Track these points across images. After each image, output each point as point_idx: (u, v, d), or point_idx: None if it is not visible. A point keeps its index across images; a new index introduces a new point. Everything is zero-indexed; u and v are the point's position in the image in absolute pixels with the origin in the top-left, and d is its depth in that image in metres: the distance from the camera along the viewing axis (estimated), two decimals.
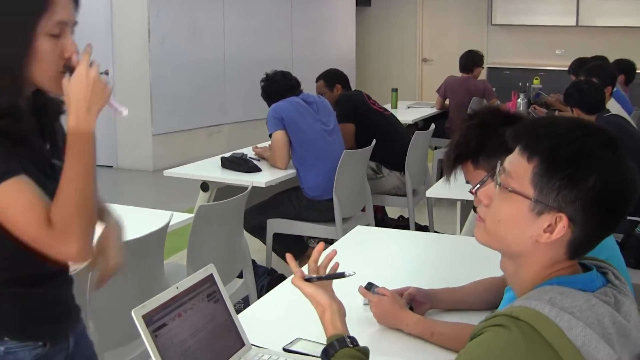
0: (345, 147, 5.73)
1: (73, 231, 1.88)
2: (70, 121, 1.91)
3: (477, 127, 2.31)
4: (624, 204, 1.59)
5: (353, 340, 1.92)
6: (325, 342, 1.93)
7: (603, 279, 1.67)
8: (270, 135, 5.45)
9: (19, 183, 1.85)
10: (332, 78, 6.63)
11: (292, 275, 2.07)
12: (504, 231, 1.64)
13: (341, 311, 2.01)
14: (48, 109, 2.08)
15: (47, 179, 1.95)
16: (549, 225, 1.57)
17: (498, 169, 1.67)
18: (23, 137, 1.92)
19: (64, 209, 1.87)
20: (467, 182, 2.36)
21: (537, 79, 9.04)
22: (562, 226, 1.56)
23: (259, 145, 5.88)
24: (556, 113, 7.72)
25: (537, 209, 1.58)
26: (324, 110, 5.60)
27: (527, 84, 8.90)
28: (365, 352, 1.91)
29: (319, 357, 2.15)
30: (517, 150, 1.63)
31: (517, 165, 1.61)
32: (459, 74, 8.91)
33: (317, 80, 6.68)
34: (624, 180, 1.57)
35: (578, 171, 1.54)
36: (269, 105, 5.52)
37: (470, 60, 8.86)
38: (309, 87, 5.66)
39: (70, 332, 2.16)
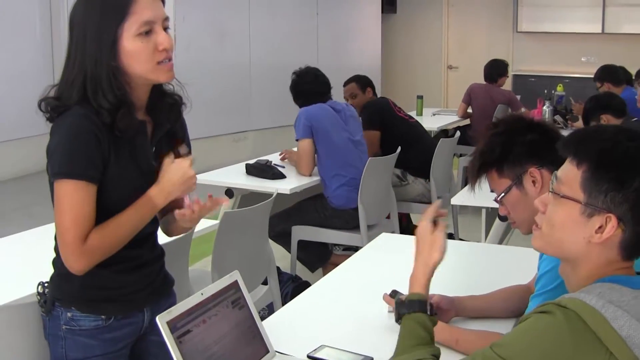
0: (370, 153, 5.72)
1: (96, 259, 2.18)
2: (153, 189, 2.26)
3: (501, 135, 2.31)
4: None
5: (432, 309, 1.96)
6: (349, 350, 1.93)
7: None
8: (297, 139, 5.44)
9: (83, 189, 2.12)
10: (365, 80, 6.72)
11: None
12: (559, 235, 1.71)
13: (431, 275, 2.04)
14: (160, 113, 2.37)
15: (142, 176, 2.27)
16: (600, 227, 1.64)
17: (552, 179, 1.73)
18: (125, 131, 2.18)
19: (104, 241, 2.17)
20: (492, 191, 2.36)
21: (560, 86, 8.96)
22: (611, 226, 1.62)
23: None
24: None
25: (587, 212, 1.64)
26: (352, 121, 5.57)
27: (552, 92, 8.83)
28: (434, 323, 1.96)
29: None
30: (568, 159, 1.70)
31: (568, 172, 1.69)
32: (484, 82, 8.83)
33: (348, 82, 6.72)
34: None
35: (624, 173, 1.61)
36: (294, 99, 5.54)
37: (494, 70, 8.74)
38: (334, 93, 5.64)
39: (147, 309, 2.41)
